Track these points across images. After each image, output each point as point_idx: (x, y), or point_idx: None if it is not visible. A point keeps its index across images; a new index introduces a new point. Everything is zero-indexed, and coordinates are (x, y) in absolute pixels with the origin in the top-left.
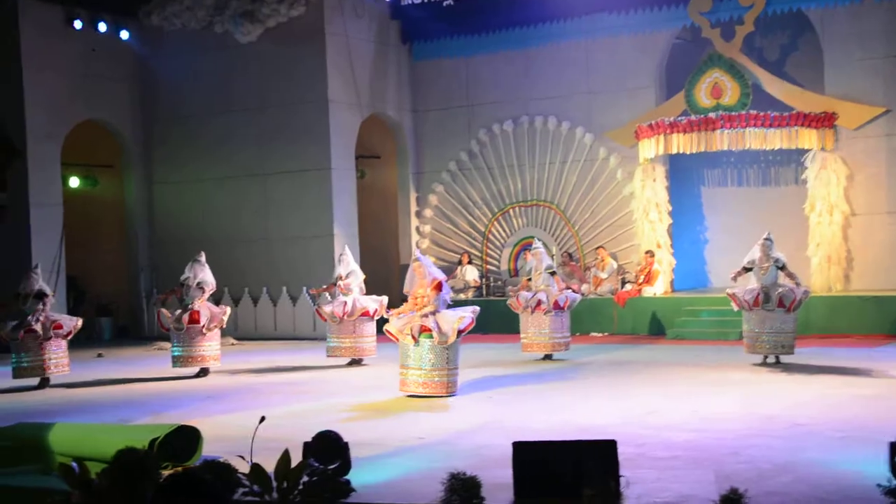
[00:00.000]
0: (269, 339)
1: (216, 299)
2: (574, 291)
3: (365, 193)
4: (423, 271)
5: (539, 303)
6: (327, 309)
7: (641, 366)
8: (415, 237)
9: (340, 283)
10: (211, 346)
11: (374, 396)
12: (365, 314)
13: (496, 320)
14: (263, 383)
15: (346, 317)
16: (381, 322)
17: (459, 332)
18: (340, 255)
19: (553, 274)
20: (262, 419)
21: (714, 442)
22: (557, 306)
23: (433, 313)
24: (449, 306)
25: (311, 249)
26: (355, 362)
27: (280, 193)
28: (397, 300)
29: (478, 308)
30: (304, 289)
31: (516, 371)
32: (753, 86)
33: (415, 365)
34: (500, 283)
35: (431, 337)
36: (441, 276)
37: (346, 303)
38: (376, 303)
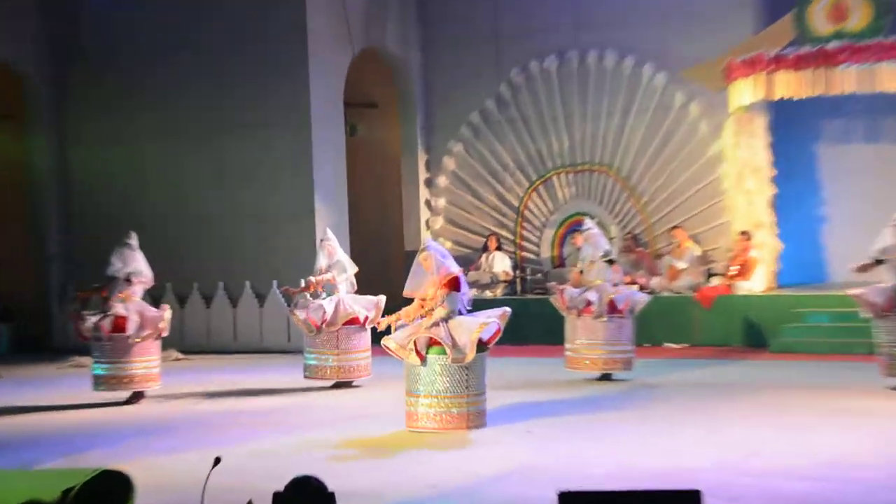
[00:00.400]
0: (228, 353)
1: (154, 299)
2: (641, 288)
3: (357, 156)
4: (431, 263)
5: (588, 304)
6: (301, 315)
7: (735, 389)
8: (424, 214)
9: (318, 278)
10: (145, 363)
11: (371, 429)
12: (353, 321)
13: (535, 326)
14: (219, 412)
15: (324, 326)
16: (378, 332)
17: (482, 345)
18: (321, 240)
19: (611, 262)
20: (218, 461)
21: (839, 495)
22: (614, 309)
23: (445, 320)
24: (469, 311)
25: (284, 232)
26: (343, 384)
27: (241, 156)
28: (399, 302)
29: (508, 310)
30: (275, 284)
31: (563, 395)
32: (893, 3)
33: (425, 391)
34: (539, 275)
35: (444, 353)
36: (456, 270)
37: (324, 308)
38: (370, 306)
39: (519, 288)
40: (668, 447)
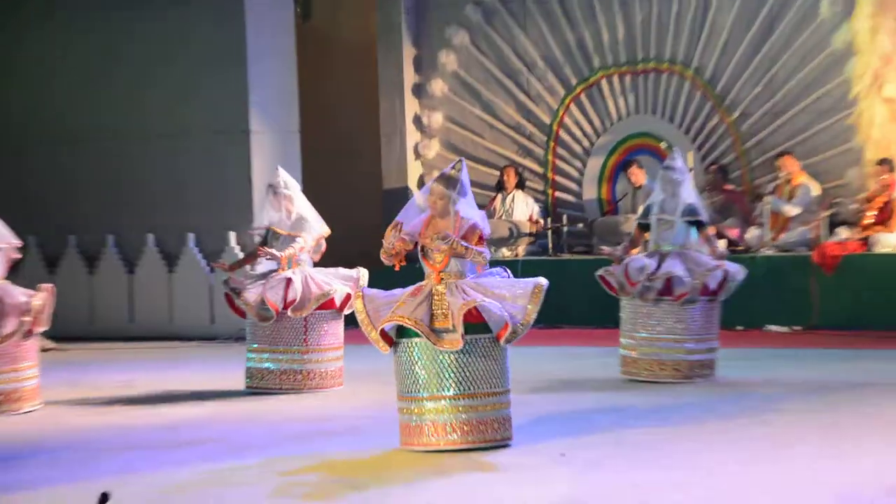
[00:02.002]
0: (120, 341)
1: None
2: (731, 245)
3: (312, 50)
4: (446, 203)
5: (669, 283)
6: (251, 296)
7: (868, 394)
8: (412, 137)
9: (288, 252)
10: (13, 375)
11: (348, 448)
12: (328, 305)
13: (574, 300)
14: (112, 427)
15: (290, 310)
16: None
17: (520, 325)
18: (271, 186)
19: (700, 226)
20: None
21: None
22: (707, 291)
23: (484, 291)
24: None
25: (203, 162)
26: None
27: (139, 45)
28: (381, 271)
29: (544, 283)
30: (190, 239)
31: (614, 401)
32: None
33: (431, 393)
34: (581, 226)
35: (480, 330)
36: (485, 226)
37: (290, 282)
38: (347, 282)
39: (550, 244)
40: (771, 480)
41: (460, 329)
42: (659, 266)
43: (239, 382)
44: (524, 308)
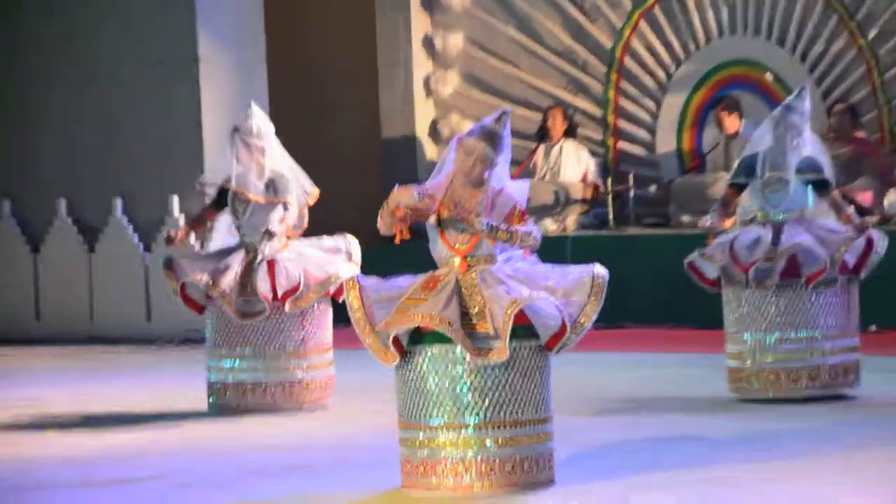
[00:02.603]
0: (24, 344)
1: None
2: (861, 212)
3: None
4: (485, 169)
5: (794, 261)
6: (226, 283)
7: None
8: (420, 68)
9: (279, 227)
10: None
11: (336, 486)
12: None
13: (641, 290)
14: (15, 460)
15: (289, 301)
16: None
17: (575, 330)
18: (238, 128)
19: (823, 188)
20: None
21: None
22: (846, 269)
23: (528, 282)
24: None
25: (138, 100)
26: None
27: None
28: (371, 233)
29: (602, 273)
30: (118, 205)
31: (699, 426)
32: None
33: (448, 419)
34: (654, 188)
35: (520, 335)
36: (522, 200)
37: (274, 264)
38: (350, 263)
39: (611, 214)
40: None
41: (507, 334)
42: (777, 238)
43: (184, 399)
44: (580, 305)
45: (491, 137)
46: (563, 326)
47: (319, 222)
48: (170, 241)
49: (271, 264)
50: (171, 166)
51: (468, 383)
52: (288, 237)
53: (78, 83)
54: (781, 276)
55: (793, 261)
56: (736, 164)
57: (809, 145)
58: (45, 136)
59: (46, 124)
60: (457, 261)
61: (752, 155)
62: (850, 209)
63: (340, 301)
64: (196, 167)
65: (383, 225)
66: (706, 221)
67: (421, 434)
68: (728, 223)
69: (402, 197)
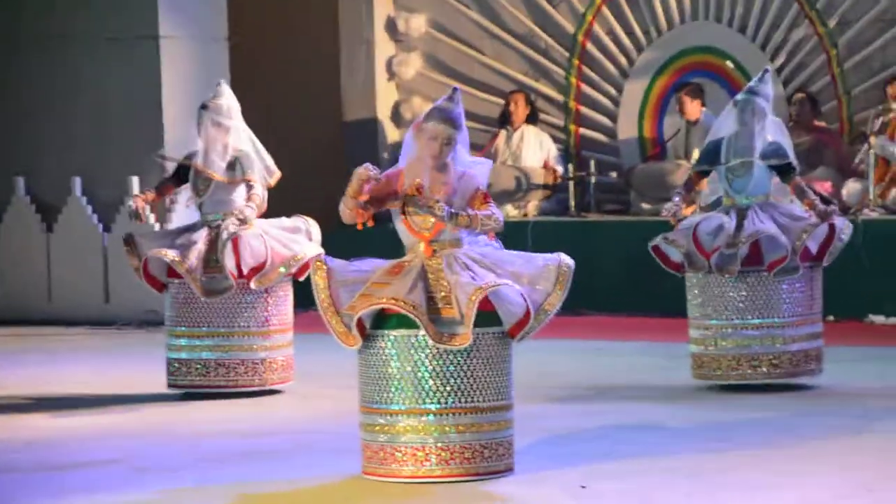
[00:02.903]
0: None
1: None
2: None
3: None
4: (451, 149)
5: (758, 247)
6: (191, 259)
7: None
8: (383, 48)
9: (251, 203)
10: None
11: (292, 472)
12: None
13: (605, 277)
14: None
15: (255, 279)
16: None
17: (538, 318)
18: (206, 106)
19: (788, 174)
20: None
21: None
22: (808, 256)
23: (494, 268)
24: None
25: (99, 76)
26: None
27: None
28: (333, 216)
29: (568, 263)
30: (76, 184)
31: (655, 414)
32: None
33: (408, 403)
34: (615, 175)
35: (484, 322)
36: (484, 181)
37: (239, 240)
38: (312, 242)
39: (572, 200)
40: None
41: (471, 320)
42: (740, 225)
43: (144, 382)
44: (545, 293)
45: (450, 118)
46: (527, 314)
47: (280, 206)
48: (135, 215)
49: (235, 241)
50: (132, 145)
51: (430, 369)
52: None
53: (34, 58)
54: (744, 263)
55: (756, 247)
56: (700, 149)
57: (773, 129)
58: (5, 112)
59: (1, 100)
60: (422, 246)
61: (716, 141)
62: (814, 195)
63: (301, 280)
64: (156, 146)
65: (346, 213)
66: (669, 210)
67: (381, 419)
68: (689, 210)
69: (359, 177)
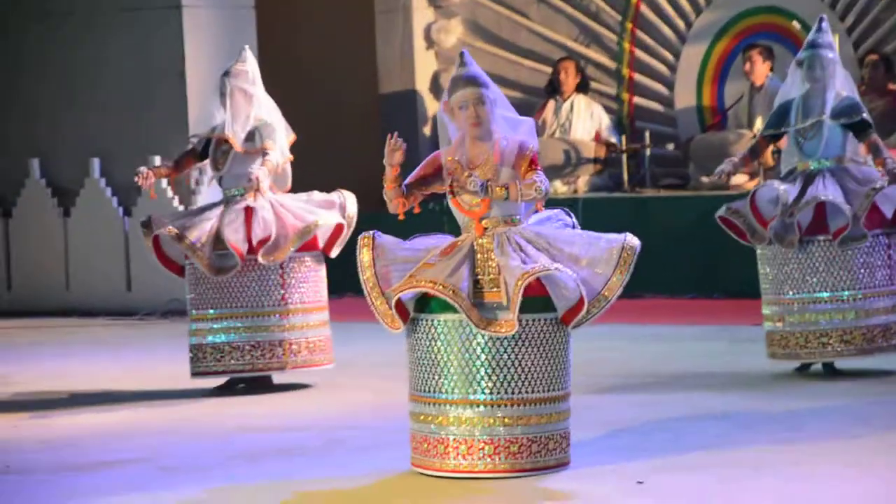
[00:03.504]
0: None
1: None
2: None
3: None
4: (489, 111)
5: (821, 214)
6: (198, 236)
7: None
8: (421, 17)
9: (260, 169)
10: None
11: (338, 469)
12: (309, 244)
13: (661, 258)
14: None
15: (261, 253)
16: (344, 266)
17: (596, 304)
18: (228, 73)
19: (862, 128)
20: None
21: None
22: (880, 222)
23: (549, 249)
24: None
25: (109, 54)
26: (260, 381)
27: None
28: (375, 197)
29: (634, 242)
30: (95, 166)
31: (721, 403)
32: None
33: (460, 394)
34: (672, 147)
35: (537, 307)
36: (534, 139)
37: (252, 212)
38: (334, 211)
39: (626, 175)
40: None
41: (517, 306)
42: (803, 191)
43: (168, 376)
44: (605, 278)
45: (470, 78)
46: (581, 301)
47: (315, 183)
48: (139, 188)
49: (249, 214)
50: (152, 123)
51: (478, 356)
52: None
53: (49, 32)
54: (811, 231)
55: (821, 215)
56: (771, 114)
57: (843, 82)
58: (14, 91)
59: (15, 79)
60: (473, 225)
61: (785, 103)
62: (888, 154)
63: (333, 254)
64: (179, 123)
65: (389, 202)
66: (720, 171)
67: (431, 409)
68: (745, 172)
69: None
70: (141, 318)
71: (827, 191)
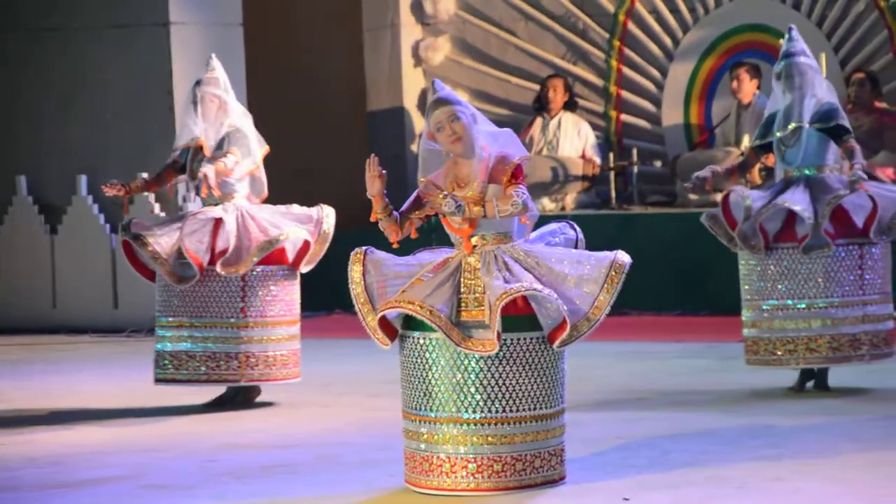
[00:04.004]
0: None
1: None
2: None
3: None
4: (467, 128)
5: (791, 221)
6: (163, 245)
7: None
8: (409, 32)
9: (207, 170)
10: None
11: (328, 486)
12: (275, 257)
13: (648, 275)
14: None
15: (220, 264)
16: (327, 299)
17: (582, 324)
18: (200, 82)
19: (840, 136)
20: None
21: None
22: (855, 231)
23: (536, 268)
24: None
25: (97, 71)
26: (240, 395)
27: None
28: (361, 210)
29: (625, 260)
30: (83, 191)
31: (708, 419)
32: None
33: (450, 413)
34: (659, 164)
35: (524, 326)
36: (518, 148)
37: (220, 223)
38: (305, 225)
39: (613, 192)
40: None
41: (496, 325)
42: (774, 198)
43: (155, 393)
44: (592, 297)
45: (440, 101)
46: (564, 320)
47: (301, 199)
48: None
49: (217, 224)
50: (141, 140)
51: (469, 375)
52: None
53: (35, 49)
54: (779, 239)
55: (790, 222)
56: (759, 126)
57: (823, 89)
58: (6, 104)
59: (1, 95)
60: (462, 243)
61: (772, 114)
62: (861, 158)
63: (302, 270)
64: (167, 140)
65: (384, 230)
66: (696, 176)
67: (423, 427)
68: (729, 186)
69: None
70: (128, 335)
71: (795, 198)
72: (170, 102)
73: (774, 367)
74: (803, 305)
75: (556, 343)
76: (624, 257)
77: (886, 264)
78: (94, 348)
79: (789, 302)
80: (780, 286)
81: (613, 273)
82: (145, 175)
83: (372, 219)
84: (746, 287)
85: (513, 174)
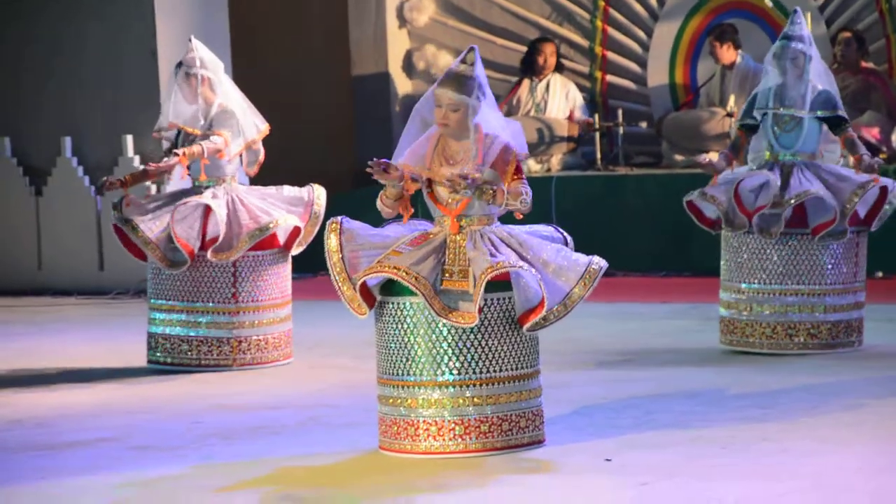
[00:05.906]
0: None
1: None
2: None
3: None
4: (463, 116)
5: (803, 209)
6: (153, 230)
7: None
8: None
9: (189, 150)
10: None
11: (309, 446)
12: (268, 242)
13: (632, 236)
14: None
15: (211, 251)
16: (312, 261)
17: (555, 312)
18: (181, 63)
19: (839, 126)
20: None
21: None
22: (857, 221)
23: (520, 250)
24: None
25: (81, 36)
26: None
27: None
28: (344, 178)
29: (600, 265)
30: (68, 152)
31: (689, 381)
32: None
33: (427, 376)
34: (645, 125)
35: (500, 289)
36: (522, 144)
37: (210, 211)
38: (296, 207)
39: (599, 153)
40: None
41: (479, 298)
42: (786, 184)
43: (140, 355)
44: (568, 287)
45: (456, 81)
46: (541, 304)
47: (288, 166)
48: (105, 188)
49: (208, 211)
50: (125, 102)
51: (447, 338)
52: (252, 178)
53: (15, 9)
54: (787, 225)
55: (801, 209)
56: (745, 103)
57: (820, 76)
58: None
59: None
60: (448, 221)
61: (759, 92)
62: (865, 150)
63: (294, 253)
64: (151, 103)
65: (385, 210)
66: (704, 158)
67: (400, 392)
68: (732, 168)
69: (388, 190)
70: (113, 297)
71: (812, 185)
72: (154, 64)
73: (768, 351)
74: (807, 290)
75: (527, 326)
76: (602, 262)
77: (865, 253)
78: (79, 310)
79: (794, 287)
80: (781, 270)
81: (591, 271)
82: (130, 139)
83: (387, 194)
84: (735, 270)
85: (517, 168)
